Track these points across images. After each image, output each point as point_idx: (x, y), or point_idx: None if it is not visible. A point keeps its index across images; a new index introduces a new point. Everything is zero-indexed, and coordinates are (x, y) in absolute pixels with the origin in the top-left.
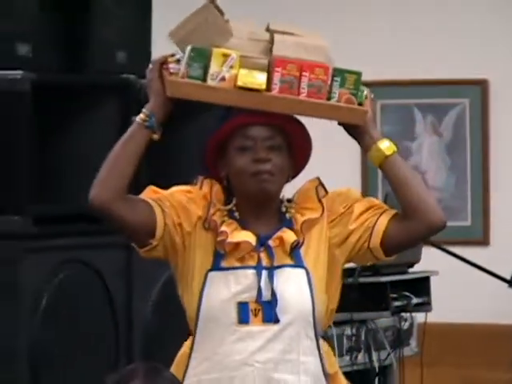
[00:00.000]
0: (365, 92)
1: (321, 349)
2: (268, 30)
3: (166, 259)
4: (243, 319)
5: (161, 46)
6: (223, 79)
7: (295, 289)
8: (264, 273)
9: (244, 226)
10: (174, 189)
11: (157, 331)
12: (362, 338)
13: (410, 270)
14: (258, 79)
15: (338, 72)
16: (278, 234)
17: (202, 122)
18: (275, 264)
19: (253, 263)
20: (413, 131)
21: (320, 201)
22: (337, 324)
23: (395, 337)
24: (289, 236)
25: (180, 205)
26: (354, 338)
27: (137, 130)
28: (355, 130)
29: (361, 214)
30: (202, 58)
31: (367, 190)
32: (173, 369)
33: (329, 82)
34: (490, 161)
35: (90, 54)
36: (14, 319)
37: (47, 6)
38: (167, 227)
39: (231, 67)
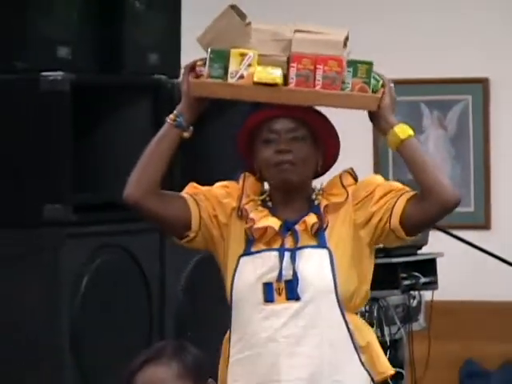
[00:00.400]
0: (380, 81)
1: (349, 323)
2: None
3: (208, 250)
4: (268, 298)
5: (190, 47)
6: (242, 77)
7: (316, 268)
8: (287, 254)
9: (275, 213)
10: (215, 185)
11: (188, 311)
12: (375, 314)
13: (419, 252)
14: (273, 74)
15: (351, 63)
16: (304, 218)
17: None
18: (299, 246)
19: (277, 246)
20: (420, 125)
21: (344, 187)
22: None
23: (405, 313)
24: (311, 219)
25: (215, 198)
26: (367, 314)
27: (167, 130)
28: (373, 116)
29: (381, 197)
30: (221, 58)
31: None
32: (220, 360)
33: (342, 73)
34: (491, 152)
35: (125, 56)
36: (57, 299)
37: (85, 12)
38: (203, 220)
39: (249, 65)
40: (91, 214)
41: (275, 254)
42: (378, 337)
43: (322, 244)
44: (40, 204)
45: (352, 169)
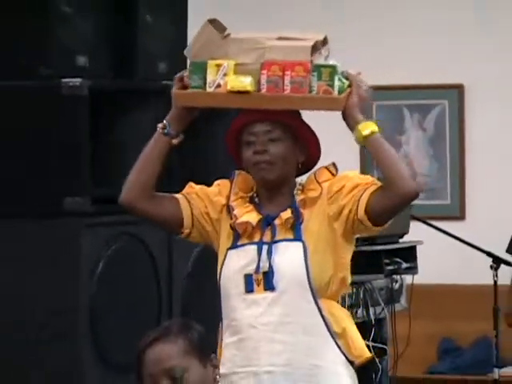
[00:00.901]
0: (346, 82)
1: (323, 310)
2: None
3: (207, 243)
4: (249, 288)
5: None
6: (219, 86)
7: (290, 260)
8: (264, 247)
9: (261, 208)
10: (215, 183)
11: (193, 293)
12: (361, 296)
13: (400, 240)
14: (244, 82)
15: (315, 67)
16: (281, 214)
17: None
18: (276, 239)
19: (257, 240)
20: (402, 127)
21: (318, 182)
22: None
23: (388, 295)
24: (286, 214)
25: (207, 197)
26: (354, 297)
27: (157, 138)
28: (343, 115)
29: (350, 190)
30: (200, 70)
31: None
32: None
33: (308, 77)
34: (466, 151)
35: (137, 63)
36: (77, 282)
37: (101, 24)
38: (195, 217)
39: (225, 75)
40: (107, 205)
41: (254, 247)
42: (363, 316)
43: (297, 237)
44: (61, 197)
45: (333, 164)
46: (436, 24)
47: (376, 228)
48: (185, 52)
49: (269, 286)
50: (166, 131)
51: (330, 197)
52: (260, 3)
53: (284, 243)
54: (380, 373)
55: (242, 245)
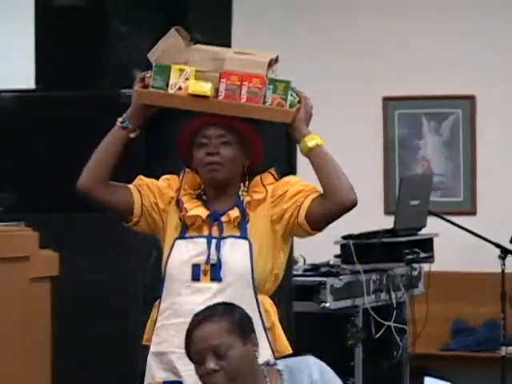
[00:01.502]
0: (297, 98)
1: (260, 306)
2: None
3: (152, 233)
4: (196, 277)
5: None
6: (180, 88)
7: (237, 255)
8: (213, 241)
9: (207, 205)
10: (162, 177)
11: None
12: (384, 282)
13: (419, 232)
14: (205, 87)
15: (271, 81)
16: (228, 212)
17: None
18: (224, 235)
19: (206, 234)
20: (421, 132)
21: (264, 185)
22: (366, 272)
23: (408, 281)
24: (234, 213)
25: (157, 188)
26: (378, 282)
27: (116, 131)
28: (291, 127)
29: (293, 196)
30: (163, 72)
31: (388, 179)
32: (149, 321)
33: (264, 90)
34: (477, 154)
35: None
36: (133, 271)
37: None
38: (144, 207)
39: (186, 79)
40: None
41: (204, 240)
42: (386, 300)
43: (243, 235)
44: None
45: (274, 169)
46: (452, 41)
47: (314, 232)
48: (148, 54)
49: (216, 277)
50: (124, 125)
51: (273, 200)
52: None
53: (231, 239)
54: (401, 350)
55: (191, 237)
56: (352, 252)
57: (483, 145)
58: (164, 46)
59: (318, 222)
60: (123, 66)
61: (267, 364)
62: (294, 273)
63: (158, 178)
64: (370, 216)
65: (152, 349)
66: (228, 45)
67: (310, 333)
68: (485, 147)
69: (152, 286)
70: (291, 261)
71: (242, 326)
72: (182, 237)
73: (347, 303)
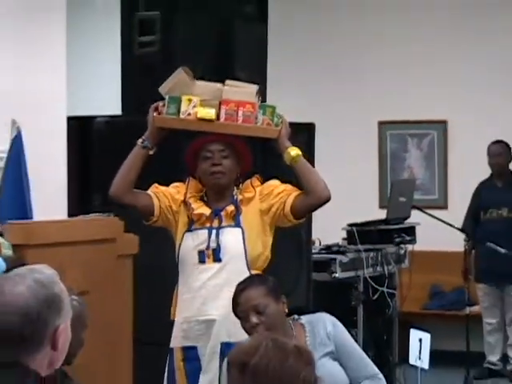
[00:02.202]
0: (281, 119)
1: None
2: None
3: (166, 228)
4: (202, 260)
5: None
6: (189, 114)
7: (232, 240)
8: (214, 231)
9: (209, 205)
10: (171, 185)
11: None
12: (379, 258)
13: (405, 221)
14: (210, 113)
15: (261, 106)
16: (226, 208)
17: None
18: (222, 225)
19: (208, 226)
20: (406, 148)
21: (253, 187)
22: (366, 251)
23: (396, 257)
24: (230, 208)
25: (170, 194)
26: (374, 258)
27: (137, 149)
28: (275, 141)
29: (278, 194)
30: (175, 102)
31: (382, 182)
32: (173, 299)
33: (255, 113)
34: (448, 164)
35: None
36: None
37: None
38: (162, 209)
39: (194, 107)
40: None
41: (205, 231)
42: (380, 271)
43: (237, 224)
44: None
45: (259, 175)
46: (429, 75)
47: (296, 221)
48: (159, 88)
49: (217, 258)
50: (144, 145)
51: (261, 197)
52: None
53: (228, 228)
54: (391, 309)
55: (196, 229)
56: (355, 236)
57: (452, 157)
58: (174, 81)
59: (300, 213)
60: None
61: (293, 319)
62: (313, 251)
63: (167, 185)
64: (368, 209)
65: (176, 320)
66: (264, 80)
67: (325, 296)
68: (453, 159)
69: None
70: (310, 243)
71: (274, 290)
72: (189, 230)
73: (351, 274)
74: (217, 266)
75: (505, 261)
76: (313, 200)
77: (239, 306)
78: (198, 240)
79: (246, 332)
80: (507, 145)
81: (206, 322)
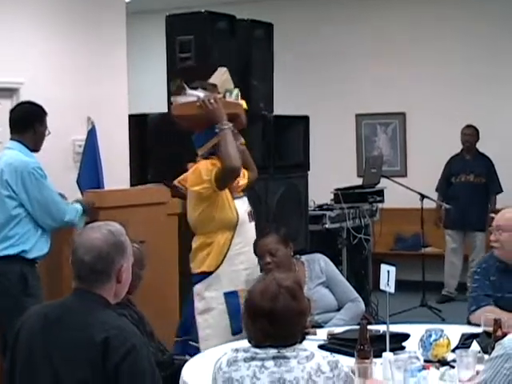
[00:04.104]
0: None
1: None
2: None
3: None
4: (250, 220)
5: None
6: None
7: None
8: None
9: None
10: None
11: (278, 212)
12: (358, 213)
13: (376, 186)
14: (245, 104)
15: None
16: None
17: None
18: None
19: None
20: (376, 133)
21: None
22: (348, 208)
23: (370, 213)
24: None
25: None
26: (354, 213)
27: (229, 131)
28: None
29: None
30: (231, 93)
31: (359, 158)
32: (214, 255)
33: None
34: (407, 144)
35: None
36: None
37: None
38: None
39: (237, 98)
40: None
41: (246, 198)
42: (359, 223)
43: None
44: None
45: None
46: (392, 75)
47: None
48: (211, 80)
49: (254, 218)
50: (229, 127)
51: None
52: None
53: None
54: (367, 250)
55: (239, 197)
56: (340, 197)
57: (409, 139)
58: (224, 77)
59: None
60: None
61: (296, 258)
62: (309, 209)
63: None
64: (349, 178)
65: (233, 269)
66: (272, 85)
67: (318, 241)
68: (410, 140)
69: None
70: (307, 203)
71: (284, 237)
72: (234, 197)
73: (337, 225)
74: (253, 223)
75: (469, 213)
76: (226, 170)
77: (258, 248)
78: (245, 205)
79: (261, 267)
80: (476, 129)
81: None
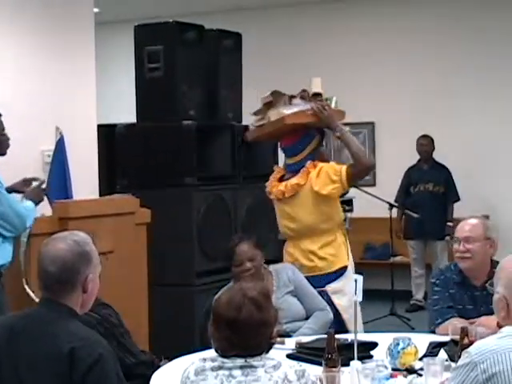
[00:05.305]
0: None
1: None
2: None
3: None
4: None
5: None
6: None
7: None
8: None
9: None
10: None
11: (248, 224)
12: None
13: (346, 196)
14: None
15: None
16: None
17: None
18: None
19: None
20: None
21: None
22: None
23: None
24: None
25: None
26: None
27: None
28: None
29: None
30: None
31: None
32: (341, 242)
33: None
34: (376, 153)
35: (217, 115)
36: (189, 220)
37: (202, 95)
38: None
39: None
40: (206, 182)
41: None
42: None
43: None
44: (185, 177)
45: None
46: (362, 87)
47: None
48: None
49: None
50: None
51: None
52: None
53: None
54: None
55: None
56: None
57: (378, 148)
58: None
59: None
60: (185, 108)
61: (264, 268)
62: None
63: None
64: None
65: (351, 262)
66: (240, 97)
67: None
68: (379, 150)
69: (203, 228)
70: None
71: (259, 245)
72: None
73: None
74: None
75: (428, 223)
76: (360, 167)
77: (237, 255)
78: None
79: (236, 274)
80: (431, 138)
81: None
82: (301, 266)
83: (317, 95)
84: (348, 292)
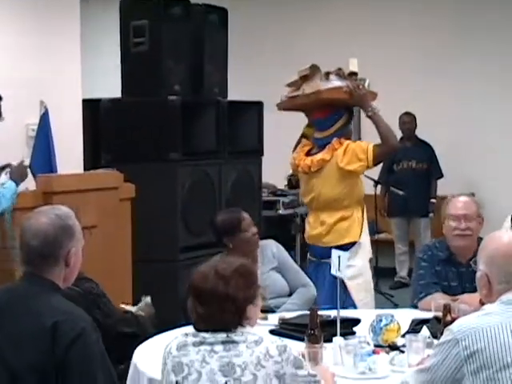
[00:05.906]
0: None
1: None
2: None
3: None
4: None
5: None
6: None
7: None
8: None
9: None
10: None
11: (233, 199)
12: None
13: None
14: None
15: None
16: None
17: None
18: None
19: None
20: None
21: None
22: None
23: None
24: None
25: None
26: None
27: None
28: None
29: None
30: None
31: None
32: (357, 219)
33: None
34: (361, 131)
35: (203, 91)
36: (174, 195)
37: (187, 69)
38: None
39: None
40: (190, 157)
41: None
42: None
43: None
44: (170, 152)
45: None
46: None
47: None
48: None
49: None
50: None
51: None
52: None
53: None
54: None
55: None
56: (294, 183)
57: (364, 125)
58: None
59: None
60: (170, 83)
61: None
62: (263, 195)
63: None
64: None
65: (365, 239)
66: (226, 70)
67: (272, 227)
68: (365, 127)
69: (187, 204)
70: (261, 188)
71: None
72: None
73: (291, 211)
74: None
75: (412, 200)
76: (387, 147)
77: (244, 222)
78: None
79: (246, 240)
80: (414, 116)
81: None
82: (314, 236)
83: (352, 74)
84: (356, 264)
